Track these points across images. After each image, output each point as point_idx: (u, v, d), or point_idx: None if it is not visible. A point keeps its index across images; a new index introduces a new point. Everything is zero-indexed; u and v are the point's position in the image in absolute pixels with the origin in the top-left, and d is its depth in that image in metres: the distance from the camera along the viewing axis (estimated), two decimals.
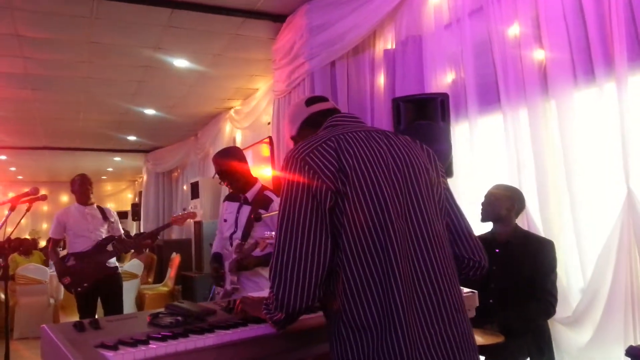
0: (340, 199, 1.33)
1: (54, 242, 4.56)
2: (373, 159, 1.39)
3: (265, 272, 3.14)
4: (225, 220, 3.24)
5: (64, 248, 4.97)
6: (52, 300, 7.14)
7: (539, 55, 2.90)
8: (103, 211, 4.61)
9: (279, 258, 1.32)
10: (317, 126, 1.58)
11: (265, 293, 2.99)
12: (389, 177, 1.38)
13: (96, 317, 3.97)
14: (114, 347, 1.34)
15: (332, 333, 1.36)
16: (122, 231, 4.90)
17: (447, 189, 1.54)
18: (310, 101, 1.68)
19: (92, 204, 4.58)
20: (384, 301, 1.28)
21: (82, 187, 4.54)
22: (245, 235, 3.06)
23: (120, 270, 4.77)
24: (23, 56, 5.28)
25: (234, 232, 3.13)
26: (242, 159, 3.17)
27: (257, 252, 3.01)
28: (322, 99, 1.71)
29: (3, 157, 11.45)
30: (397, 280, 1.28)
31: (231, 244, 3.15)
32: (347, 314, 1.30)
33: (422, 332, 1.28)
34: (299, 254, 1.30)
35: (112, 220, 4.63)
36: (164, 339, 1.42)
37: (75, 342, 1.36)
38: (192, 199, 8.22)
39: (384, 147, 1.43)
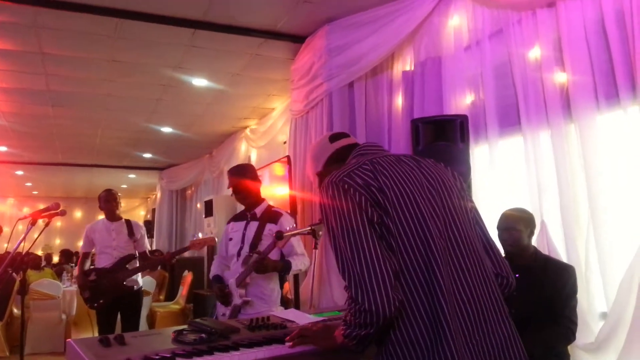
0: (383, 216, 1.37)
1: (83, 256, 4.57)
2: (407, 179, 1.44)
3: (269, 283, 3.18)
4: (230, 239, 3.32)
5: (93, 262, 4.98)
6: (64, 316, 7.14)
7: (560, 77, 2.90)
8: (130, 227, 4.58)
9: (353, 271, 1.33)
10: (343, 161, 1.63)
11: (270, 306, 3.02)
12: (424, 195, 1.43)
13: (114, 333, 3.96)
14: None
15: (379, 352, 1.39)
16: (148, 247, 4.89)
17: (474, 206, 1.60)
18: (333, 138, 1.74)
19: (119, 219, 4.60)
20: (432, 317, 1.32)
21: (107, 204, 4.55)
22: (253, 248, 3.13)
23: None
24: (45, 73, 5.38)
25: (241, 247, 3.20)
26: (257, 177, 3.38)
27: (271, 254, 3.08)
28: (344, 135, 1.77)
29: (20, 172, 11.59)
30: (443, 296, 1.32)
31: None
32: (395, 331, 1.34)
33: (466, 343, 1.33)
34: (370, 261, 1.32)
35: (138, 236, 4.59)
36: (189, 355, 1.43)
37: (102, 357, 1.37)
38: (205, 217, 8.23)
39: (414, 169, 1.49)
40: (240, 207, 3.43)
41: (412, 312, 1.33)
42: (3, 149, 8.92)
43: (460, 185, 1.58)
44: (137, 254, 4.57)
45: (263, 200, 3.37)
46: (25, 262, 3.66)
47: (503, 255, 1.65)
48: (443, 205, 1.45)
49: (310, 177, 1.81)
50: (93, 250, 4.59)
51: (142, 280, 5.54)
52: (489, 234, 1.60)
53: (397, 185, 1.41)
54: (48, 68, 5.25)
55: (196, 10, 4.12)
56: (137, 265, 4.53)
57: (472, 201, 1.61)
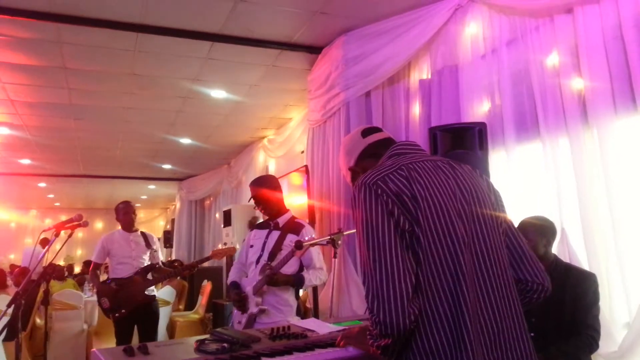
0: (414, 226, 1.36)
1: (95, 266, 4.63)
2: (442, 189, 1.42)
3: (285, 293, 3.19)
4: (251, 246, 3.38)
5: (102, 273, 5.06)
6: (85, 326, 7.22)
7: (578, 84, 2.89)
8: (146, 238, 4.68)
9: (373, 281, 1.33)
10: (376, 156, 1.62)
11: (286, 316, 3.03)
12: (457, 207, 1.42)
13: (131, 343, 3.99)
14: None
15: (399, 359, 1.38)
16: (161, 259, 4.96)
17: (507, 218, 1.57)
18: (366, 132, 1.72)
19: (136, 230, 4.67)
20: (454, 330, 1.31)
21: (126, 216, 4.63)
22: (272, 257, 3.16)
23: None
24: (68, 87, 5.49)
25: (261, 255, 3.24)
26: (277, 187, 3.42)
27: (290, 263, 3.09)
28: (377, 129, 1.75)
29: (42, 185, 11.80)
30: (467, 310, 1.32)
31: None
32: (417, 341, 1.33)
33: (485, 358, 1.32)
34: (390, 273, 1.31)
35: (154, 248, 4.69)
36: None
37: None
38: (224, 226, 8.29)
39: (450, 178, 1.47)
40: (264, 217, 3.47)
41: (435, 323, 1.33)
42: (27, 161, 9.11)
43: (494, 196, 1.56)
44: None
45: (287, 210, 3.41)
46: (49, 273, 3.72)
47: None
48: (473, 219, 1.43)
49: (343, 171, 1.79)
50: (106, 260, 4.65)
51: (161, 290, 5.58)
52: (522, 243, 1.57)
53: (430, 196, 1.39)
54: (70, 82, 5.36)
55: (214, 23, 4.19)
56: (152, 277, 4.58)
57: (505, 212, 1.58)
